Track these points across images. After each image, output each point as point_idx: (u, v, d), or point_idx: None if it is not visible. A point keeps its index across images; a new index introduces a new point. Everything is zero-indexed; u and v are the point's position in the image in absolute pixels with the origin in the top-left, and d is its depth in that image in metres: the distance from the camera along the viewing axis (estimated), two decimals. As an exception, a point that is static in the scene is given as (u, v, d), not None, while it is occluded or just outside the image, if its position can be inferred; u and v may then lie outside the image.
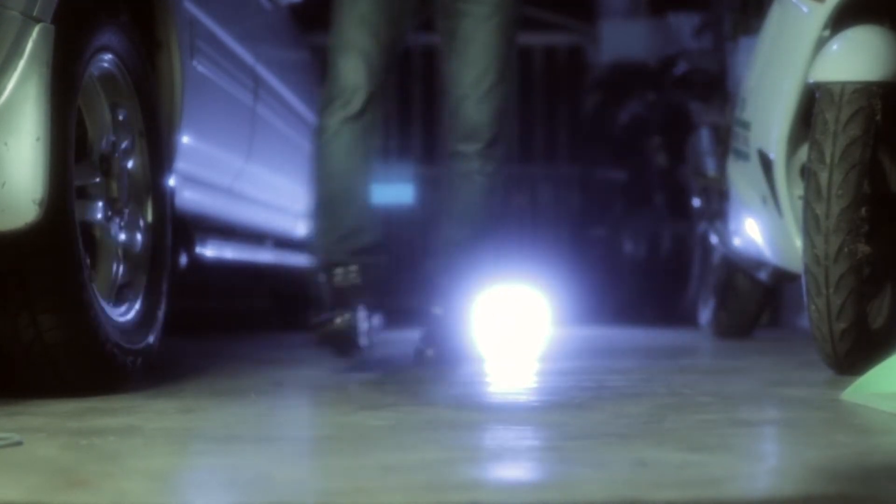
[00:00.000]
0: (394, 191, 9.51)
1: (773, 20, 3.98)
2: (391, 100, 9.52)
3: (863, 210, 3.36)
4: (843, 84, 3.39)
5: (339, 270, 3.82)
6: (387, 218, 9.28)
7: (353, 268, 3.83)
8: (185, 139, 3.68)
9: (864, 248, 3.36)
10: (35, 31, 2.71)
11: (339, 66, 3.86)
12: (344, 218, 3.87)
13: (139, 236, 3.24)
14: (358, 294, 3.80)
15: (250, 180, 4.62)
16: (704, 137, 5.69)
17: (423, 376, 3.60)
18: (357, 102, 3.84)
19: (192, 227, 3.97)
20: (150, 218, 3.30)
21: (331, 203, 3.89)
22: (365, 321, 3.78)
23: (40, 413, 2.63)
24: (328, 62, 3.91)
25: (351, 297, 3.78)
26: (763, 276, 4.69)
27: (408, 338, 5.27)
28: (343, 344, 3.72)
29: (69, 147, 2.83)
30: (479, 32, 3.98)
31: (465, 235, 4.08)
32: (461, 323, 4.08)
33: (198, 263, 3.98)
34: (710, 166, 5.53)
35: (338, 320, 3.70)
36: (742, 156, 4.17)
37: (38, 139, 2.68)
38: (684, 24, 7.70)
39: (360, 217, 3.91)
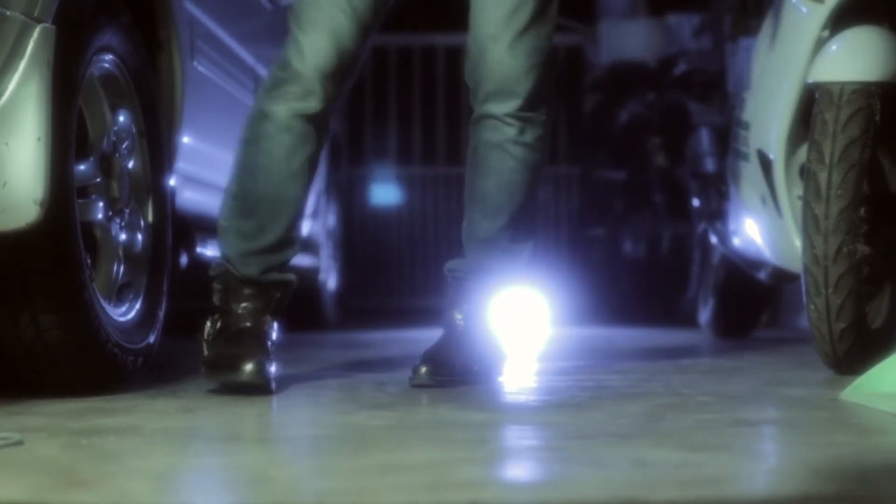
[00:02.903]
0: (394, 190, 9.51)
1: (773, 20, 3.98)
2: (391, 99, 9.54)
3: (862, 210, 3.36)
4: (843, 84, 3.40)
5: (247, 296, 3.15)
6: (385, 217, 9.31)
7: (263, 300, 3.15)
8: (186, 139, 3.69)
9: (863, 249, 3.36)
10: (36, 32, 2.71)
11: (302, 43, 3.08)
12: (272, 229, 3.14)
13: (140, 236, 3.25)
14: (264, 337, 3.12)
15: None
16: (704, 137, 5.69)
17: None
18: (316, 100, 3.09)
19: (192, 227, 3.97)
20: (150, 218, 3.30)
21: (258, 207, 3.14)
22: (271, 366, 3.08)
23: (41, 413, 2.63)
24: (288, 33, 3.17)
25: (262, 339, 3.10)
26: (762, 276, 4.69)
27: (406, 338, 5.27)
28: (252, 390, 3.02)
29: (70, 147, 2.83)
30: None
31: (499, 227, 3.28)
32: (487, 332, 3.33)
33: (198, 263, 3.98)
34: (710, 166, 5.54)
35: (247, 367, 3.00)
36: (741, 156, 4.17)
37: (38, 139, 2.68)
38: (684, 24, 7.70)
39: (290, 231, 3.17)
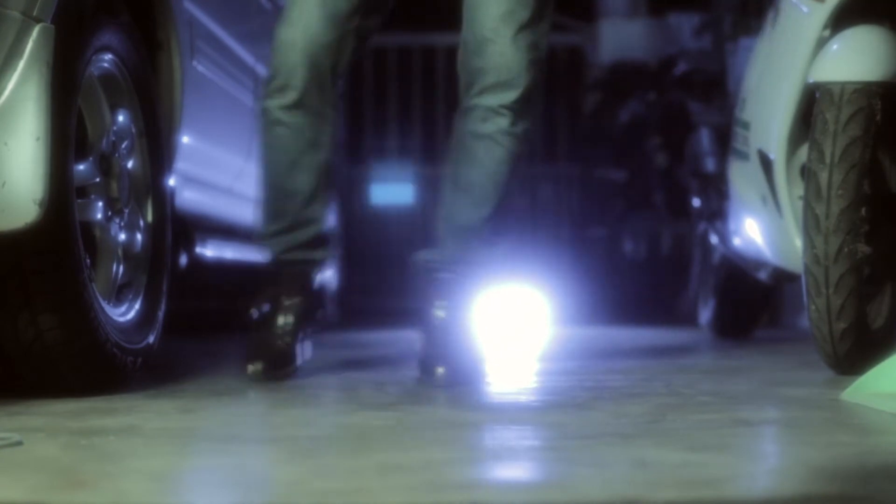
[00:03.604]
0: (394, 190, 9.51)
1: (773, 20, 3.98)
2: (391, 99, 9.55)
3: (863, 210, 3.36)
4: (844, 84, 3.39)
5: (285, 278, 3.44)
6: (385, 218, 9.32)
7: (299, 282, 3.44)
8: (186, 139, 3.68)
9: (863, 249, 3.36)
10: (35, 31, 2.70)
11: (279, 38, 3.34)
12: (287, 212, 3.40)
13: (139, 236, 3.24)
14: (299, 314, 3.43)
15: (250, 180, 4.62)
16: (704, 137, 5.69)
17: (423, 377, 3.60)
18: (294, 92, 3.33)
19: (192, 228, 3.97)
20: (150, 218, 3.30)
21: (273, 194, 3.42)
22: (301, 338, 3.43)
23: (40, 413, 2.63)
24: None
25: (293, 310, 3.41)
26: (763, 276, 4.69)
27: (406, 338, 5.27)
28: (276, 357, 3.38)
29: (69, 147, 2.83)
30: None
31: (483, 217, 3.37)
32: (469, 329, 3.38)
33: (198, 263, 3.98)
34: (710, 166, 5.54)
35: (280, 320, 3.40)
36: (742, 156, 4.17)
37: (38, 139, 2.68)
38: (684, 24, 7.70)
39: (304, 211, 3.41)
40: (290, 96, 3.33)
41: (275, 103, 3.35)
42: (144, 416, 2.61)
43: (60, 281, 2.81)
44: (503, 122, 3.30)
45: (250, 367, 3.32)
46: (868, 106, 3.36)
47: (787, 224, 3.81)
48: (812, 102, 3.50)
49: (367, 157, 9.47)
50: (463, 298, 3.39)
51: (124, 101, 3.19)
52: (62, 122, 2.78)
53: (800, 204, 3.61)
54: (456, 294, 3.39)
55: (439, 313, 3.37)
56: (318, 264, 3.48)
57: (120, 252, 3.15)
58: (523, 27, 3.27)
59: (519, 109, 3.30)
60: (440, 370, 3.26)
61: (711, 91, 6.33)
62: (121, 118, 3.18)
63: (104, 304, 3.01)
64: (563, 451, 2.18)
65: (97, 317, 2.90)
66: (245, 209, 4.77)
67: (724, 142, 4.77)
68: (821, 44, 3.56)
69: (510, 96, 3.28)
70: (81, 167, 2.99)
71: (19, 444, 2.17)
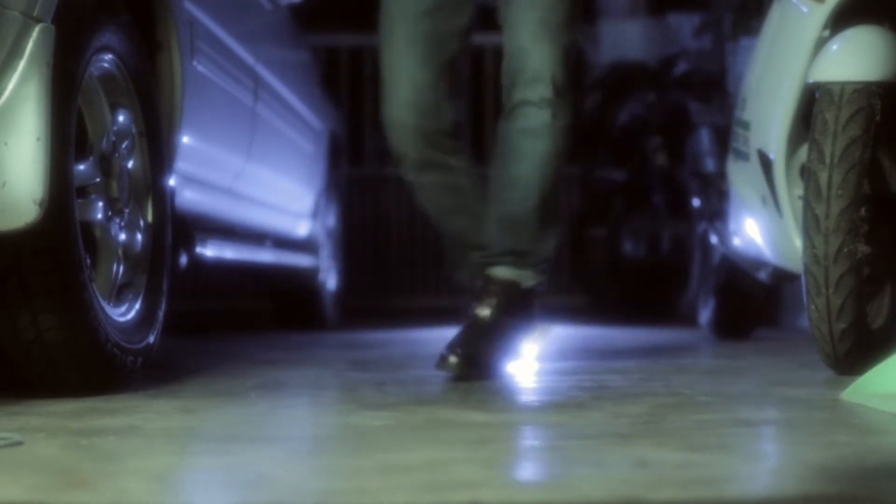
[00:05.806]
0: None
1: (773, 20, 3.98)
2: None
3: (862, 210, 3.36)
4: (843, 84, 3.39)
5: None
6: (383, 218, 9.31)
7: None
8: (186, 139, 3.68)
9: (863, 248, 3.36)
10: (35, 31, 2.71)
11: (386, 119, 3.65)
12: (465, 249, 3.63)
13: (139, 236, 3.24)
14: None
15: (250, 180, 4.62)
16: (704, 137, 5.69)
17: (423, 376, 3.60)
18: (409, 157, 3.61)
19: (192, 227, 3.96)
20: (150, 218, 3.30)
21: (446, 238, 3.72)
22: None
23: (40, 413, 2.63)
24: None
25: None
26: (763, 276, 4.69)
27: (406, 338, 5.28)
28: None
29: (69, 147, 2.83)
30: None
31: (529, 209, 3.57)
32: (508, 333, 3.53)
33: (198, 263, 3.98)
34: (710, 166, 5.54)
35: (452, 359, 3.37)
36: (742, 156, 4.17)
37: (38, 139, 2.68)
38: (684, 24, 7.70)
39: (481, 239, 3.60)
40: (410, 159, 3.58)
41: (406, 169, 3.62)
42: (144, 416, 2.61)
43: (60, 281, 2.81)
44: (545, 115, 3.49)
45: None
46: (868, 106, 3.37)
47: (786, 224, 3.81)
48: (812, 102, 3.50)
49: (367, 157, 9.47)
50: (511, 302, 3.54)
51: (124, 100, 3.19)
52: (62, 122, 2.78)
53: (800, 204, 3.61)
54: (505, 297, 3.53)
55: (483, 312, 3.50)
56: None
57: (120, 252, 3.15)
58: (556, 31, 3.49)
59: (557, 102, 3.49)
60: (453, 359, 3.36)
61: (711, 91, 6.33)
62: (121, 118, 3.18)
63: (104, 304, 3.01)
64: (563, 451, 2.18)
65: (97, 317, 2.90)
66: (245, 209, 4.77)
67: (724, 142, 4.77)
68: (820, 44, 3.56)
69: (547, 90, 3.47)
70: (82, 167, 2.99)
71: (19, 444, 2.18)
